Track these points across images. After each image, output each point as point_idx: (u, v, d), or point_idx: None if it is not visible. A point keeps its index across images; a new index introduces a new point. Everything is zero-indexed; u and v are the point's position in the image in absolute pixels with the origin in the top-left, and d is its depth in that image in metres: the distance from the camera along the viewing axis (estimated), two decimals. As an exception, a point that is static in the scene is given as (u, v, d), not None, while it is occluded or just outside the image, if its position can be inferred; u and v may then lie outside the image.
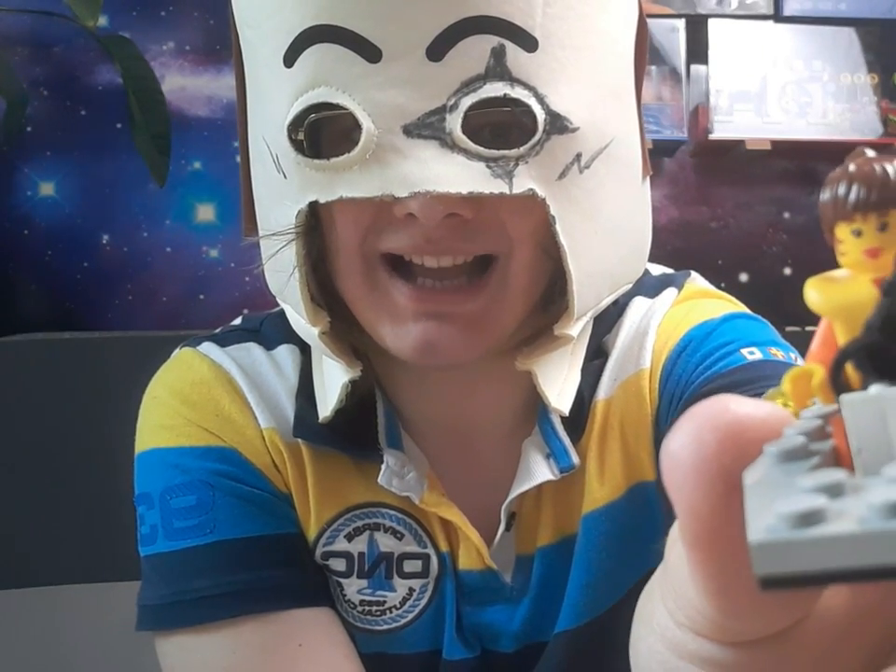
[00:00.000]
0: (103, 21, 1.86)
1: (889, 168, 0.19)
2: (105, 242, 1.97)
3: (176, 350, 0.63)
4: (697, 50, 1.95)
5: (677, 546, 0.22)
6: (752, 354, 0.55)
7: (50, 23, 1.80)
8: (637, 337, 0.60)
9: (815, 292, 0.20)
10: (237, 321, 0.66)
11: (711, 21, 1.94)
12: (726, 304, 0.62)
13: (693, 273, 0.66)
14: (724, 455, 0.18)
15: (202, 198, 1.98)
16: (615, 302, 0.60)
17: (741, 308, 0.62)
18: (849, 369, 0.19)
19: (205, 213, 1.99)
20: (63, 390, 1.65)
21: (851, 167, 0.20)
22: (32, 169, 1.94)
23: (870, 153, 0.20)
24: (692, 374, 0.56)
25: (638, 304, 0.62)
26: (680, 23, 1.96)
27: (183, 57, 1.98)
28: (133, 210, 1.97)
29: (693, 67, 1.98)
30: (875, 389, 0.17)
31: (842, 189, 0.20)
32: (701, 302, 0.62)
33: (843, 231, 0.20)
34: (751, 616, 0.19)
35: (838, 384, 0.19)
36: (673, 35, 1.96)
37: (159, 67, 1.91)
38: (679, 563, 0.21)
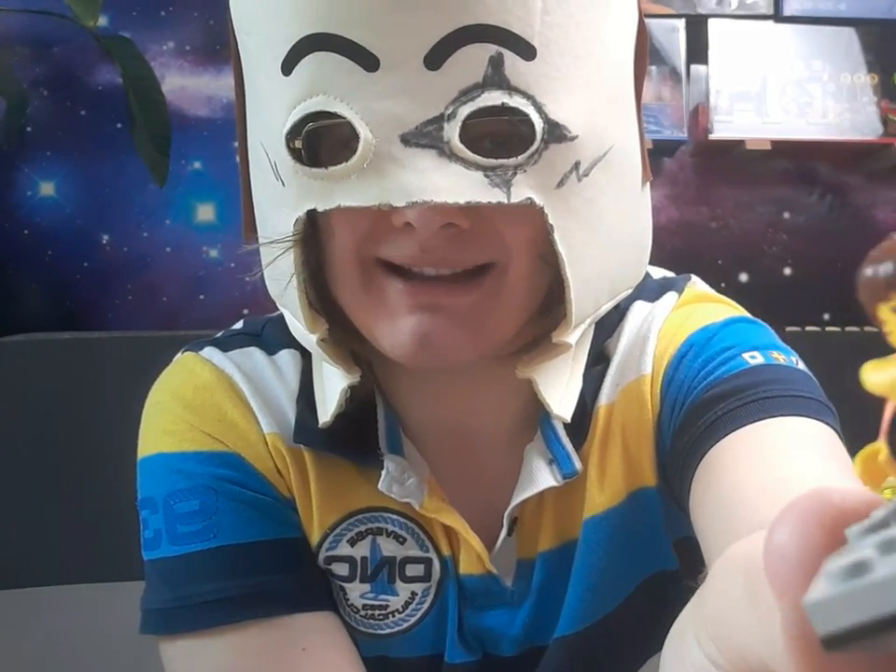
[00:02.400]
0: (103, 21, 1.86)
1: None
2: (105, 242, 1.97)
3: (178, 354, 0.63)
4: (697, 50, 1.95)
5: (725, 596, 0.22)
6: (754, 358, 0.55)
7: (50, 23, 1.79)
8: (638, 342, 0.60)
9: (873, 373, 0.20)
10: (239, 325, 0.66)
11: (711, 21, 1.94)
12: (726, 308, 0.62)
13: (694, 277, 0.66)
14: (832, 551, 0.18)
15: (202, 198, 1.98)
16: (616, 307, 0.60)
17: (741, 312, 0.62)
18: None
19: (205, 213, 1.98)
20: (63, 390, 1.65)
21: (884, 244, 0.19)
22: (32, 169, 1.94)
23: None
24: (693, 379, 0.56)
25: (639, 308, 0.62)
26: (680, 23, 1.96)
27: (183, 57, 1.98)
28: (133, 210, 1.96)
29: (693, 67, 1.98)
30: None
31: (872, 270, 0.19)
32: (701, 307, 0.62)
33: (884, 312, 0.19)
34: None
35: None
36: (673, 35, 1.96)
37: (159, 67, 1.91)
38: (730, 615, 0.22)
